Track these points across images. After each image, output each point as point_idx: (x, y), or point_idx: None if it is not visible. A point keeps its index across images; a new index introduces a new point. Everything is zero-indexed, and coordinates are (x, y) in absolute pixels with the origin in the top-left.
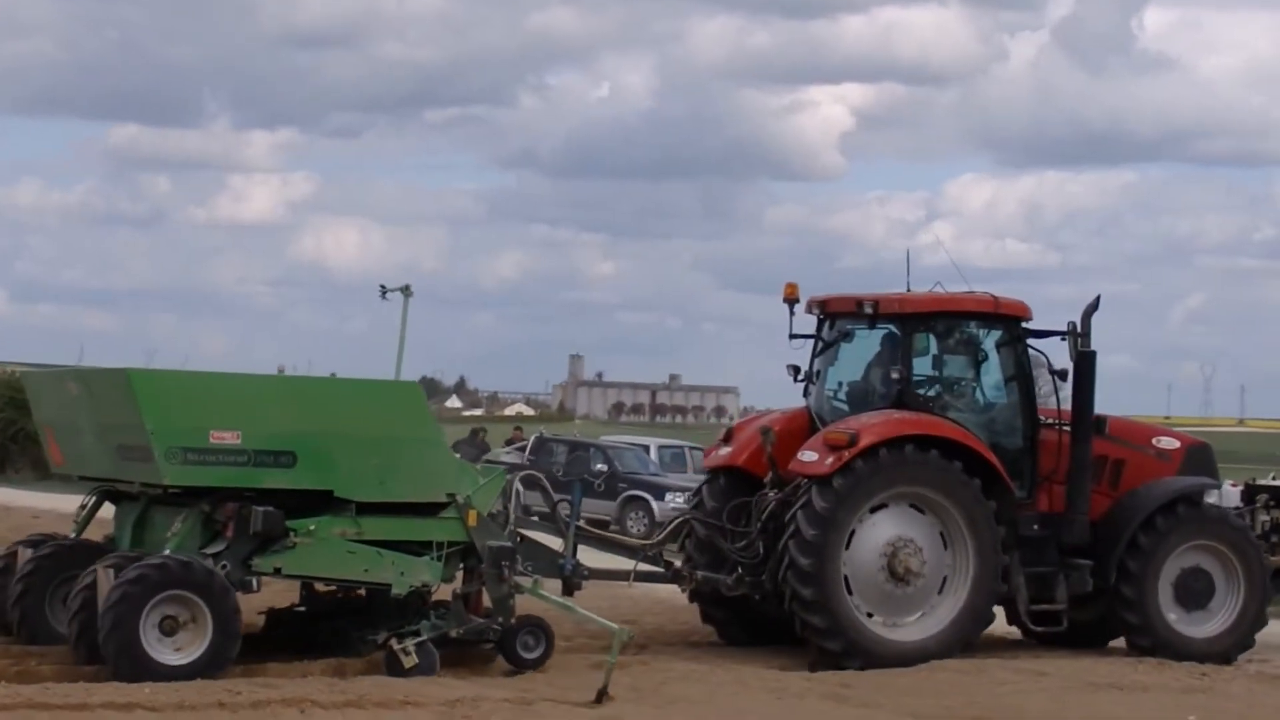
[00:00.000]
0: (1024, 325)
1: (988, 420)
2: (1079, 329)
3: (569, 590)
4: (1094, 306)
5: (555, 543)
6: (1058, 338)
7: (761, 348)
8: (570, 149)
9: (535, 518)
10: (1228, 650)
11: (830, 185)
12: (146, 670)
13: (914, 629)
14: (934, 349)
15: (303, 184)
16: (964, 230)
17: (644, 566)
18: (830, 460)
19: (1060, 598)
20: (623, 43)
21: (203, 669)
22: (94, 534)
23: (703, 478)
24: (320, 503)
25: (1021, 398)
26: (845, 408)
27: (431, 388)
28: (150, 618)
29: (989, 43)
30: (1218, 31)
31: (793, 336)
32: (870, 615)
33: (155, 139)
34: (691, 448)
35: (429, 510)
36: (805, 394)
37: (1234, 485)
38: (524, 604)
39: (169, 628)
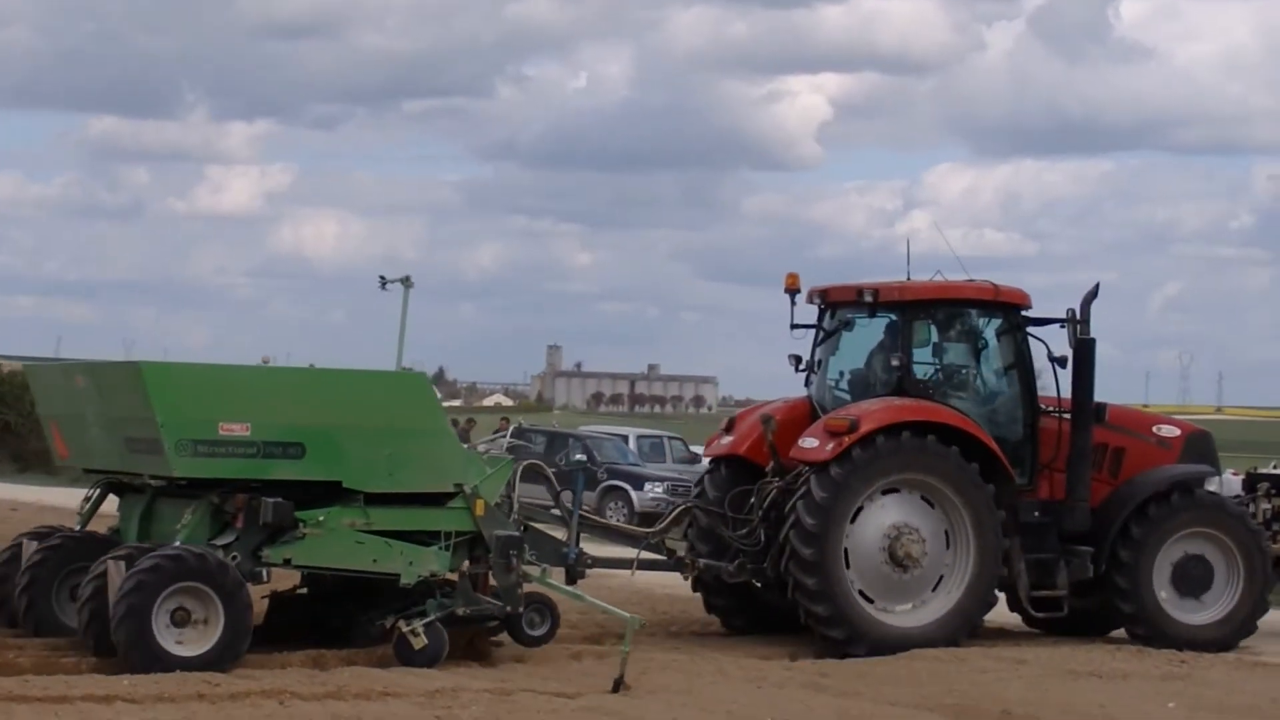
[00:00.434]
0: (1024, 313)
1: (988, 407)
2: (1078, 316)
3: (572, 579)
4: (1093, 294)
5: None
6: (1057, 325)
7: (740, 338)
8: (549, 140)
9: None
10: (1228, 637)
11: (809, 175)
12: (157, 661)
13: (916, 615)
14: (934, 337)
15: (281, 175)
16: (941, 219)
17: (647, 555)
18: (830, 446)
19: (1061, 584)
20: (601, 33)
21: (214, 661)
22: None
23: (679, 468)
24: (329, 494)
25: (1022, 385)
26: (847, 396)
27: None
28: (162, 609)
29: (966, 32)
30: (1194, 20)
31: (794, 326)
32: (872, 602)
33: (134, 131)
34: (670, 437)
35: (437, 500)
36: (807, 384)
37: (1235, 474)
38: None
39: (180, 619)
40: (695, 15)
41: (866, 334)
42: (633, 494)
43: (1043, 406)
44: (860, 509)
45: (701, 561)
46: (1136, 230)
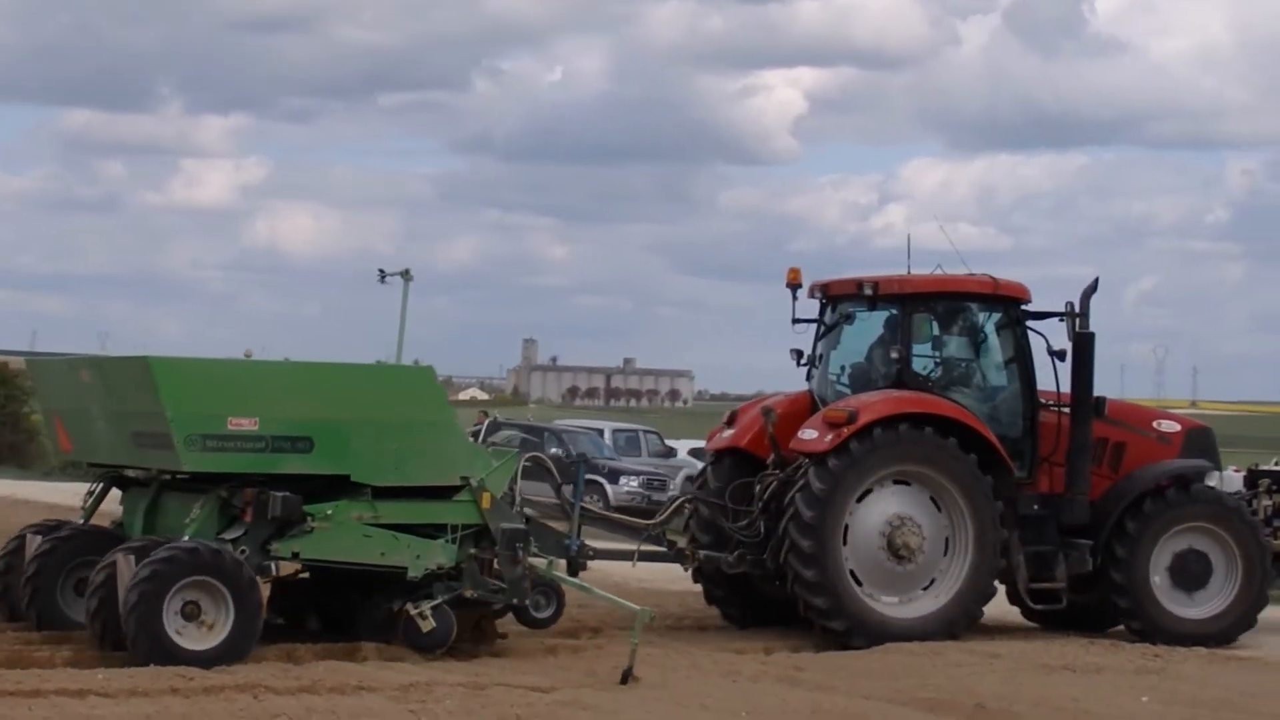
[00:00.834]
0: (1023, 307)
1: (987, 400)
2: (1077, 310)
3: (574, 570)
4: (1093, 288)
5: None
6: (1056, 319)
7: (716, 332)
8: (525, 133)
9: None
10: (1226, 631)
11: (784, 169)
12: (168, 655)
13: (916, 606)
14: (934, 330)
15: (256, 169)
16: (916, 213)
17: (647, 546)
18: (829, 437)
19: (1060, 576)
20: (577, 26)
21: (224, 654)
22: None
23: (654, 462)
24: (337, 487)
25: (1021, 379)
26: (847, 390)
27: None
28: (173, 603)
29: (941, 27)
30: (1169, 15)
31: (795, 321)
32: (871, 594)
33: (109, 124)
34: (646, 431)
35: (443, 493)
36: (808, 378)
37: (1236, 470)
38: None
39: (191, 613)
40: (671, 9)
41: (867, 327)
42: (608, 488)
43: (1042, 400)
44: (859, 501)
45: (702, 553)
46: (1111, 224)
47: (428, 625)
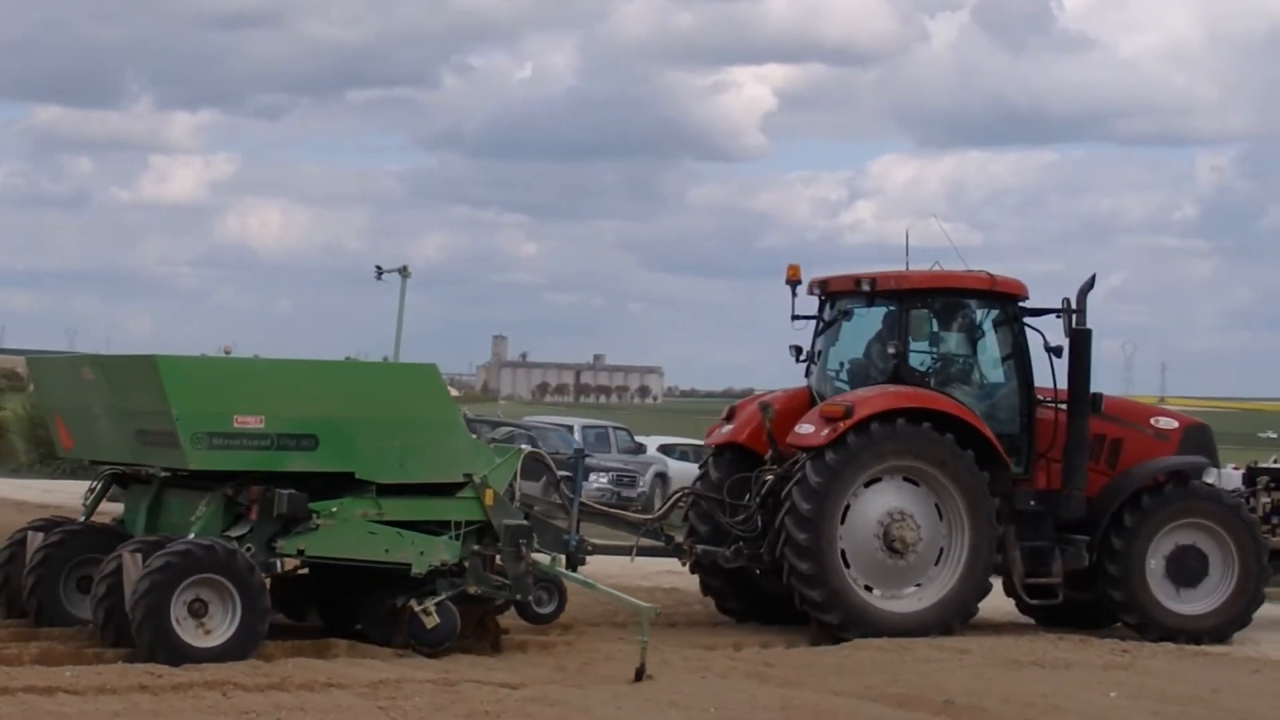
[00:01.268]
0: (1020, 303)
1: (984, 396)
2: (1074, 307)
3: (573, 565)
4: (1089, 285)
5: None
6: (1053, 316)
7: (686, 328)
8: (494, 130)
9: None
10: (1221, 628)
11: (754, 165)
12: (176, 652)
13: (911, 601)
14: (931, 326)
15: (225, 165)
16: (886, 210)
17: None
18: (826, 432)
19: (1056, 572)
20: (546, 23)
21: (231, 651)
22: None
23: (624, 458)
24: (341, 485)
25: (1018, 375)
26: (846, 386)
27: None
28: (180, 600)
29: (910, 23)
30: (1138, 11)
31: (795, 318)
32: (867, 588)
33: (78, 120)
34: (615, 428)
35: (447, 490)
36: (807, 374)
37: (1236, 468)
38: None
39: (197, 610)
40: (640, 6)
41: (865, 324)
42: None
43: (1039, 397)
44: (855, 495)
45: (699, 548)
46: (1080, 221)
47: (432, 621)
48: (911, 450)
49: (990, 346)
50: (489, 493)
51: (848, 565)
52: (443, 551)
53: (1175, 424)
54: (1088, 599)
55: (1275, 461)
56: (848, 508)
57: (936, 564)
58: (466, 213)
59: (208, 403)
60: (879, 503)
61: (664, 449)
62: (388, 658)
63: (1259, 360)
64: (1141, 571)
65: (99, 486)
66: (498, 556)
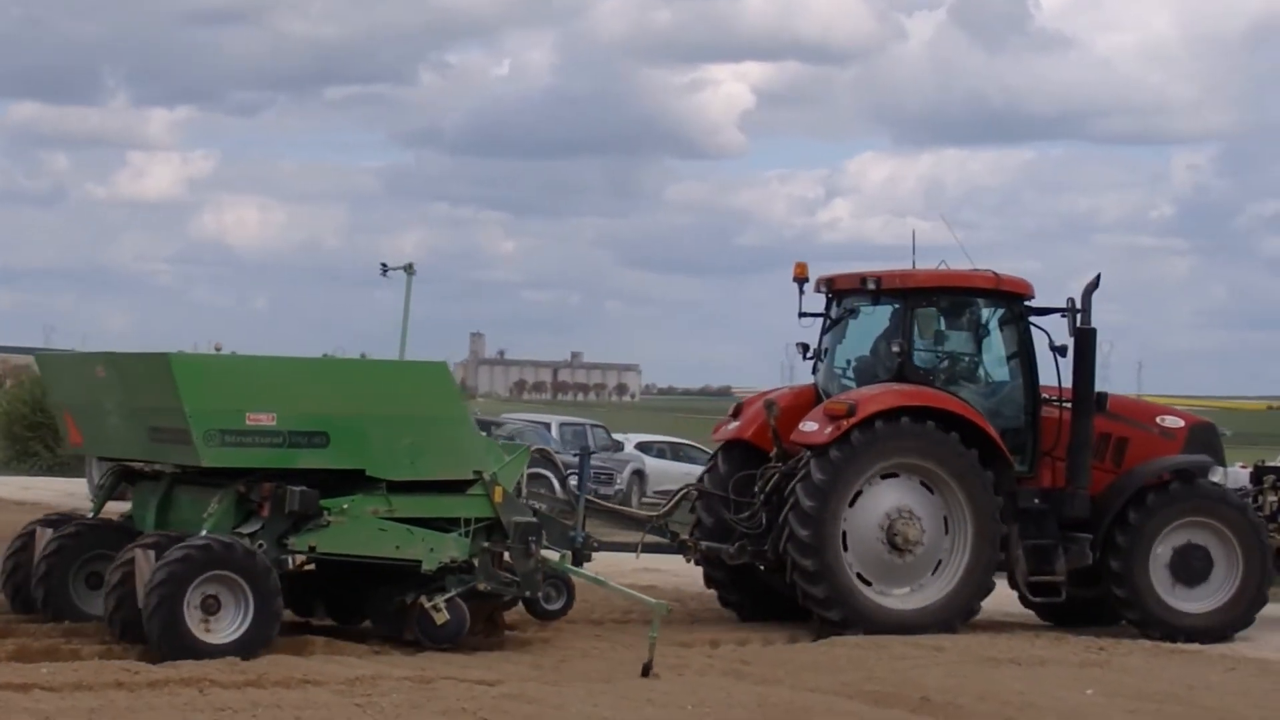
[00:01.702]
0: (1025, 302)
1: (989, 394)
2: (1078, 306)
3: (579, 562)
4: (1094, 285)
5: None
6: (1058, 315)
7: (663, 325)
8: (472, 127)
9: None
10: (1224, 627)
11: (731, 163)
12: (188, 649)
13: (914, 598)
14: (936, 324)
15: (203, 161)
16: (864, 208)
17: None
18: (829, 430)
19: (1059, 570)
20: (524, 20)
21: (243, 648)
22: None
23: (601, 455)
24: (352, 482)
25: (1023, 374)
26: (852, 383)
27: None
28: (193, 597)
29: (887, 22)
30: (1114, 10)
31: (802, 315)
32: (870, 585)
33: (55, 116)
34: (593, 425)
35: (457, 487)
36: (814, 371)
37: (1243, 466)
38: None
39: (210, 607)
40: (618, 3)
41: (871, 322)
42: (554, 482)
43: (1044, 395)
44: (859, 492)
45: (704, 544)
46: (1058, 219)
47: (441, 618)
48: (915, 448)
49: (995, 345)
50: (498, 490)
51: (850, 562)
52: (452, 548)
53: (1181, 423)
54: (1093, 597)
55: None
56: (851, 505)
57: (940, 562)
58: (445, 210)
59: (220, 400)
60: (883, 500)
61: (641, 446)
62: (364, 655)
63: (1235, 359)
64: (1145, 569)
65: (107, 483)
66: (506, 553)
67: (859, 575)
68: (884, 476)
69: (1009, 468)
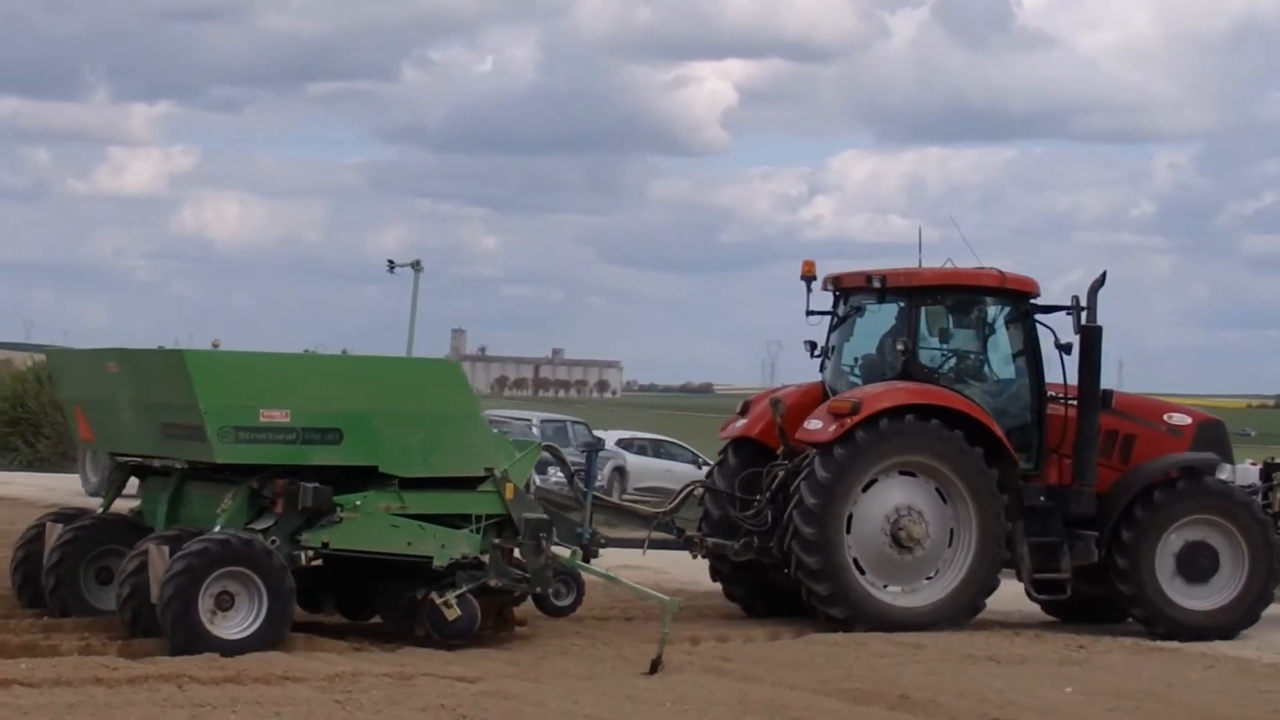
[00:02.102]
0: (1031, 300)
1: (994, 392)
2: (1083, 304)
3: (586, 558)
4: (1100, 282)
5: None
6: (1063, 313)
7: (645, 322)
8: (454, 123)
9: None
10: (1229, 625)
11: (714, 160)
12: (202, 644)
13: (918, 596)
14: (941, 323)
15: (183, 157)
16: (846, 205)
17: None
18: (833, 428)
19: (1064, 567)
20: (507, 16)
21: (257, 643)
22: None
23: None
24: (364, 478)
25: (1028, 371)
26: (859, 381)
27: None
28: (208, 593)
29: (870, 20)
30: (1096, 9)
31: (809, 313)
32: (874, 582)
33: (35, 111)
34: (574, 422)
35: (468, 484)
36: (821, 369)
37: (1253, 464)
38: None
39: (225, 603)
40: (601, 0)
41: (877, 320)
42: (534, 478)
43: (1050, 393)
44: (864, 490)
45: (710, 540)
46: (1039, 217)
47: (453, 613)
48: (920, 446)
49: (1001, 343)
50: (509, 486)
51: (854, 560)
52: (464, 544)
53: (1189, 420)
54: (1101, 594)
55: None
56: (855, 502)
57: (944, 560)
58: (427, 206)
59: (234, 397)
60: (887, 498)
61: (622, 443)
62: (344, 651)
63: (1216, 357)
64: (1151, 566)
65: (116, 478)
66: (516, 549)
67: (863, 572)
68: (889, 474)
69: (1014, 465)
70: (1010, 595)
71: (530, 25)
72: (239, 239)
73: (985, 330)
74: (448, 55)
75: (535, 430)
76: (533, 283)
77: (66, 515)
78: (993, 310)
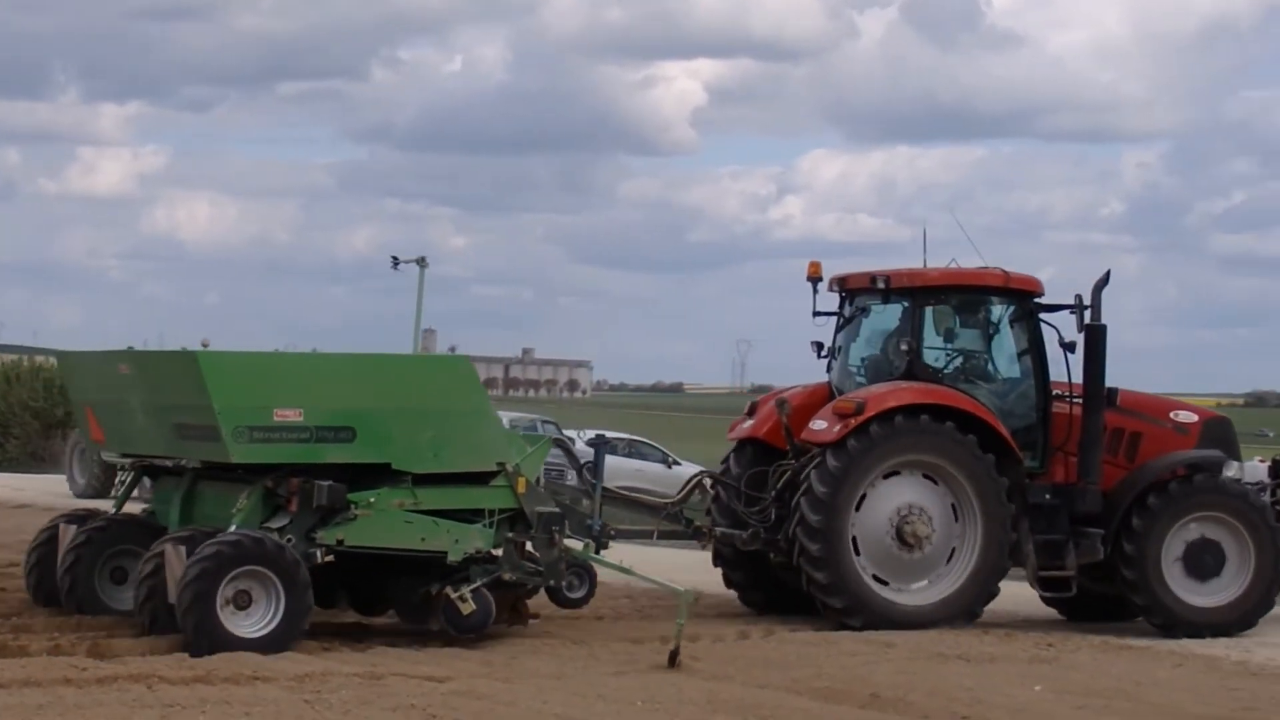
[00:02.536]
0: (1035, 300)
1: (999, 391)
2: (1087, 303)
3: (596, 549)
4: (1104, 281)
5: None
6: (1067, 311)
7: (615, 321)
8: (423, 123)
9: None
10: (1233, 622)
11: (684, 160)
12: (221, 642)
13: (921, 594)
14: (945, 322)
15: (154, 157)
16: (816, 205)
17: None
18: (838, 428)
19: (1070, 565)
20: (476, 16)
21: (275, 641)
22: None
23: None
24: (377, 475)
25: (1033, 370)
26: (864, 381)
27: None
28: (225, 592)
29: (840, 19)
30: (1065, 8)
31: (816, 314)
32: (878, 579)
33: (4, 111)
34: (543, 421)
35: (480, 479)
36: (828, 369)
37: (1262, 461)
38: None
39: (242, 602)
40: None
41: (882, 320)
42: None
43: (1055, 391)
44: (871, 486)
45: (719, 530)
46: (1009, 216)
47: (468, 608)
48: (926, 446)
49: (1005, 342)
50: (521, 481)
51: (858, 554)
52: (477, 539)
53: (1195, 417)
54: (1111, 593)
55: None
56: (863, 498)
57: (948, 560)
58: (396, 206)
59: (248, 397)
60: (893, 496)
61: (592, 443)
62: (314, 651)
63: (1185, 356)
64: (1157, 562)
65: (128, 479)
66: (528, 543)
67: (865, 567)
68: (896, 473)
69: (1018, 464)
70: (1012, 595)
71: (500, 25)
72: (210, 239)
73: (989, 329)
74: (418, 55)
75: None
76: (502, 282)
77: (80, 517)
78: (997, 310)
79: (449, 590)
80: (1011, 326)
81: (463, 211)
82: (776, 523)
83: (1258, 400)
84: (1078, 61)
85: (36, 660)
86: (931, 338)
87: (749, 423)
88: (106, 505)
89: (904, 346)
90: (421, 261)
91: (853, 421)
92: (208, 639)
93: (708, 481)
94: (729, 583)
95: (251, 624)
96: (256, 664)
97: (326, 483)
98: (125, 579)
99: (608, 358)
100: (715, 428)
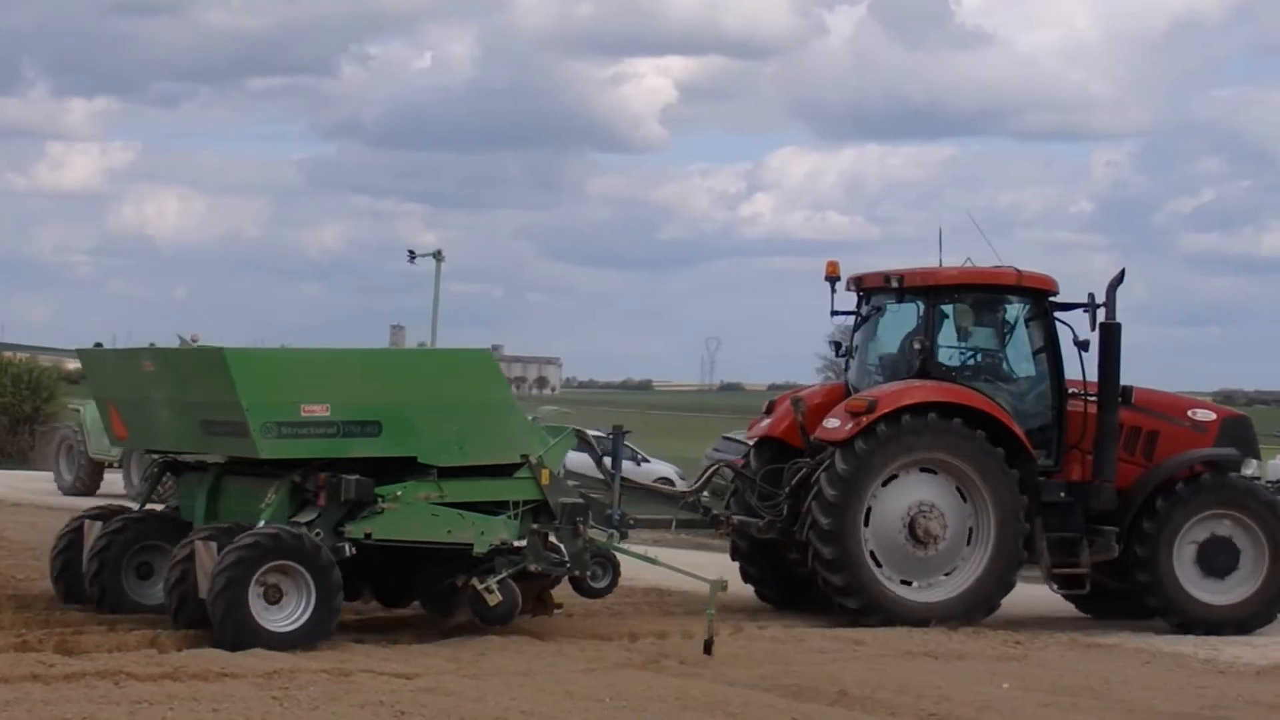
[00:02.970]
0: (1049, 298)
1: (1013, 390)
2: (1101, 301)
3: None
4: (1118, 280)
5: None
6: (1081, 310)
7: (584, 318)
8: (393, 119)
9: None
10: (1246, 620)
11: (653, 157)
12: (252, 637)
13: (934, 591)
14: (959, 321)
15: (123, 153)
16: (785, 202)
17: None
18: (849, 426)
19: (1084, 562)
20: (446, 12)
21: (305, 635)
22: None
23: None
24: (403, 469)
25: (1048, 369)
26: (880, 379)
27: None
28: (257, 587)
29: (809, 17)
30: (1035, 7)
31: (834, 313)
32: (890, 576)
33: None
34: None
35: (505, 471)
36: (845, 368)
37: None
38: None
39: (273, 596)
40: None
41: (897, 319)
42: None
43: (1070, 390)
44: (884, 485)
45: (735, 518)
46: (978, 215)
47: (494, 599)
48: (940, 444)
49: (1019, 341)
50: (545, 472)
51: (872, 553)
52: (502, 530)
53: (1213, 416)
54: (1127, 590)
55: None
56: (874, 496)
57: (961, 557)
58: (366, 202)
59: (275, 393)
60: (906, 494)
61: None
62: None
63: (1156, 354)
64: (1170, 559)
65: (152, 475)
66: (552, 534)
67: (879, 566)
68: (908, 471)
69: (1032, 462)
70: (1021, 593)
71: (470, 21)
72: (180, 235)
73: (1003, 328)
74: (387, 51)
75: None
76: (472, 279)
77: (105, 514)
78: (1011, 308)
79: (475, 582)
80: (1026, 325)
81: (432, 208)
82: (791, 516)
83: (1225, 399)
84: (1047, 60)
85: (4, 656)
86: (946, 336)
87: (766, 422)
88: (81, 505)
89: (917, 345)
90: (438, 255)
91: (864, 419)
92: (235, 630)
93: (726, 471)
94: (746, 576)
95: (281, 618)
96: (225, 660)
97: (354, 477)
98: (151, 574)
99: (577, 355)
100: (685, 425)
